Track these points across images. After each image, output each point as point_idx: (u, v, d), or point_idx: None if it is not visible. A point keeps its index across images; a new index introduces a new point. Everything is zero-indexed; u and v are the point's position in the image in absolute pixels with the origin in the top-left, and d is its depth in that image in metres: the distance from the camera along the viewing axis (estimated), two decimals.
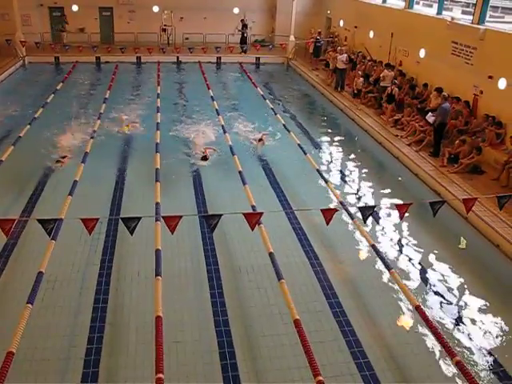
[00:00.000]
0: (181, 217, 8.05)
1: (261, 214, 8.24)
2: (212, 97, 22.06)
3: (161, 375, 6.92)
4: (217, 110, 20.17)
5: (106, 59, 28.83)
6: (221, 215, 7.93)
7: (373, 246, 10.53)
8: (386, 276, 10.37)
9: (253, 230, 8.30)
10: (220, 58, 30.28)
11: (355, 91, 22.65)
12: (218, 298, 9.71)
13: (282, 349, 8.59)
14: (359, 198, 14.51)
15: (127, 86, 25.13)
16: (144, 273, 10.17)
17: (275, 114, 20.08)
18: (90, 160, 14.92)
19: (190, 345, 8.65)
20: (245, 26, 32.01)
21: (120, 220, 8.83)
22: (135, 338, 8.72)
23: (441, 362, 8.62)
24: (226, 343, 8.65)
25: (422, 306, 9.05)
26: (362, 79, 22.40)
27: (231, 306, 9.53)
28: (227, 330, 8.93)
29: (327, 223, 8.40)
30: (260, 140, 17.30)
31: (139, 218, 8.36)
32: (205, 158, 15.66)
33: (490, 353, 8.99)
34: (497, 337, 9.40)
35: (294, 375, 8.09)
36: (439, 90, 17.66)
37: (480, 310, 10.04)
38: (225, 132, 17.53)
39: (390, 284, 10.26)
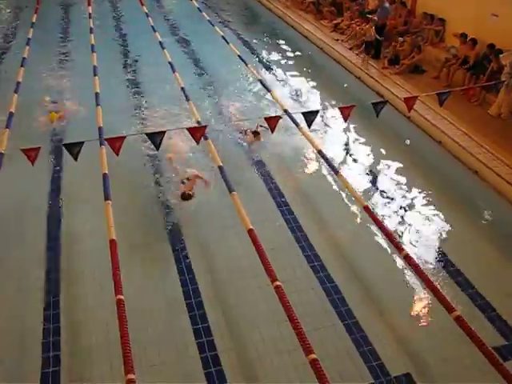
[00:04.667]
0: (124, 137, 7.87)
1: (205, 127, 8.13)
2: (147, 13, 20.97)
3: (121, 296, 6.89)
4: (152, 26, 19.25)
5: None
6: (165, 132, 7.79)
7: (319, 152, 10.62)
8: (333, 179, 10.52)
9: (198, 143, 8.23)
10: None
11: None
12: (167, 210, 9.83)
13: (238, 261, 8.79)
14: (303, 105, 14.49)
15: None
16: (94, 198, 9.96)
17: (213, 26, 19.46)
18: None
19: (147, 263, 8.73)
20: None
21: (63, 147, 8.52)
22: (91, 264, 8.71)
23: (390, 257, 9.02)
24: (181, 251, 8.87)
25: (370, 206, 9.30)
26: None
27: (182, 216, 9.66)
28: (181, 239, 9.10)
29: (272, 131, 8.38)
30: (255, 133, 12.35)
31: (82, 143, 8.12)
32: (188, 197, 10.17)
33: (434, 243, 9.48)
34: (440, 228, 9.88)
35: (250, 283, 8.34)
36: None
37: (424, 205, 10.46)
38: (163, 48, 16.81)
39: (337, 187, 10.44)
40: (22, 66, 14.44)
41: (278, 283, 7.11)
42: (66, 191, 10.61)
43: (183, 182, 10.39)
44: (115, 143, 7.96)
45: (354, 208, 10.04)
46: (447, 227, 9.90)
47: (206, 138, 9.80)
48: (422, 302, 8.29)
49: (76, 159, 8.38)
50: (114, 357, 6.78)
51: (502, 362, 6.35)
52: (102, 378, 6.93)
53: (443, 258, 9.16)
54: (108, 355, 7.11)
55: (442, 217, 10.15)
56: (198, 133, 7.93)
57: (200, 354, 7.27)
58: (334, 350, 7.38)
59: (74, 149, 8.17)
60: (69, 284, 8.41)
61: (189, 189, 10.13)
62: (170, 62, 15.48)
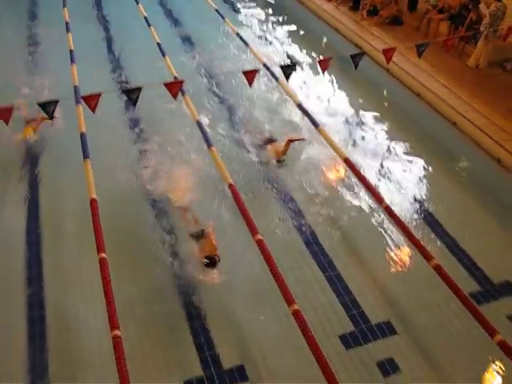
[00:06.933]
0: (100, 94, 7.73)
1: (181, 82, 8.01)
2: None
3: (103, 255, 6.88)
4: None
5: None
6: (141, 88, 7.67)
7: (299, 106, 10.56)
8: (313, 132, 10.43)
9: (175, 99, 8.12)
10: None
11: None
12: (150, 169, 9.67)
13: (220, 216, 8.76)
14: (281, 58, 14.34)
15: None
16: (73, 157, 9.77)
17: None
18: None
19: (128, 219, 8.68)
20: None
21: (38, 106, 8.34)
22: (73, 226, 8.64)
23: (370, 209, 9.15)
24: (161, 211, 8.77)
25: (351, 158, 9.26)
26: None
27: (163, 177, 9.47)
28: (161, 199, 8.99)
29: (250, 85, 8.30)
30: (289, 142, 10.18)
31: (57, 102, 7.95)
32: (212, 263, 7.79)
33: (413, 195, 9.64)
34: (419, 180, 10.02)
35: (228, 235, 8.33)
36: None
37: (404, 157, 10.59)
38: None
39: (318, 140, 10.39)
40: None
41: (259, 237, 7.18)
42: None
43: (196, 237, 8.15)
44: (91, 101, 7.82)
45: (334, 161, 10.01)
46: (427, 179, 10.02)
47: (183, 93, 9.69)
48: (401, 252, 8.46)
49: (51, 118, 8.27)
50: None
51: (477, 307, 6.56)
52: (89, 335, 7.00)
53: (422, 208, 9.31)
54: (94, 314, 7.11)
55: (422, 168, 10.26)
56: (174, 88, 7.85)
57: (182, 308, 7.36)
58: (316, 301, 7.53)
59: (49, 107, 8.00)
60: (51, 240, 8.41)
61: (211, 249, 7.84)
62: (145, 17, 15.10)
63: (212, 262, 7.69)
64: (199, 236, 8.09)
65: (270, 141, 10.40)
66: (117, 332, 5.84)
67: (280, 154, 10.04)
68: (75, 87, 11.00)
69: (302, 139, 10.30)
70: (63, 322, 7.25)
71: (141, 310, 7.41)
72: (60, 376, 6.60)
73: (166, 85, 7.92)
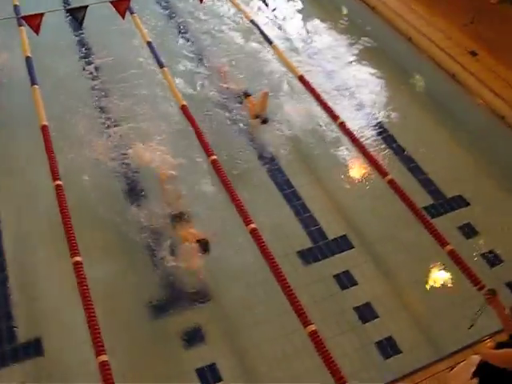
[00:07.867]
0: (43, 14, 7.34)
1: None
2: None
3: (58, 182, 6.82)
4: None
5: None
6: (86, 6, 7.30)
7: (252, 22, 10.27)
8: (267, 50, 10.32)
9: (123, 18, 7.78)
10: None
11: None
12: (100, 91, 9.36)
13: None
14: None
15: None
16: (21, 84, 9.32)
17: None
18: None
19: (76, 147, 8.44)
20: None
21: None
22: (26, 151, 8.36)
23: (326, 126, 9.10)
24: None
25: (305, 76, 9.14)
26: None
27: (115, 104, 9.17)
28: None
29: (201, 1, 7.99)
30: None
31: None
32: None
33: (368, 110, 9.70)
34: (373, 95, 10.04)
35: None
36: None
37: (358, 70, 10.52)
38: None
39: (270, 56, 10.26)
40: None
41: (213, 157, 7.23)
42: None
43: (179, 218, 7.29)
44: (34, 21, 7.45)
45: (288, 77, 9.83)
46: (381, 93, 10.04)
47: (131, 12, 9.29)
48: (357, 169, 8.60)
49: None
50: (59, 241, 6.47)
51: (429, 219, 6.79)
52: (48, 260, 6.95)
53: (377, 124, 9.37)
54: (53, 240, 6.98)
55: (376, 83, 10.25)
56: (121, 6, 7.50)
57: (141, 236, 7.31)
58: (275, 218, 7.64)
59: None
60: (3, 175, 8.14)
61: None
62: None
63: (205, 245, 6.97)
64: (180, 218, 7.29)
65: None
66: (78, 258, 5.86)
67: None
68: (15, 6, 10.40)
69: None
70: (20, 247, 7.23)
71: (99, 234, 7.35)
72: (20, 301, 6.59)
73: (113, 3, 7.58)
